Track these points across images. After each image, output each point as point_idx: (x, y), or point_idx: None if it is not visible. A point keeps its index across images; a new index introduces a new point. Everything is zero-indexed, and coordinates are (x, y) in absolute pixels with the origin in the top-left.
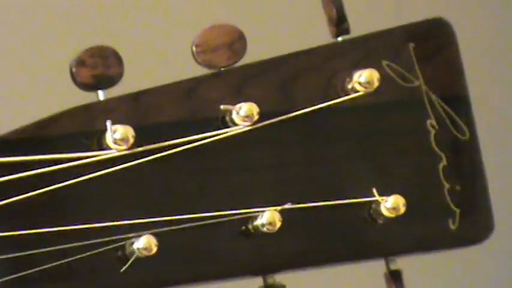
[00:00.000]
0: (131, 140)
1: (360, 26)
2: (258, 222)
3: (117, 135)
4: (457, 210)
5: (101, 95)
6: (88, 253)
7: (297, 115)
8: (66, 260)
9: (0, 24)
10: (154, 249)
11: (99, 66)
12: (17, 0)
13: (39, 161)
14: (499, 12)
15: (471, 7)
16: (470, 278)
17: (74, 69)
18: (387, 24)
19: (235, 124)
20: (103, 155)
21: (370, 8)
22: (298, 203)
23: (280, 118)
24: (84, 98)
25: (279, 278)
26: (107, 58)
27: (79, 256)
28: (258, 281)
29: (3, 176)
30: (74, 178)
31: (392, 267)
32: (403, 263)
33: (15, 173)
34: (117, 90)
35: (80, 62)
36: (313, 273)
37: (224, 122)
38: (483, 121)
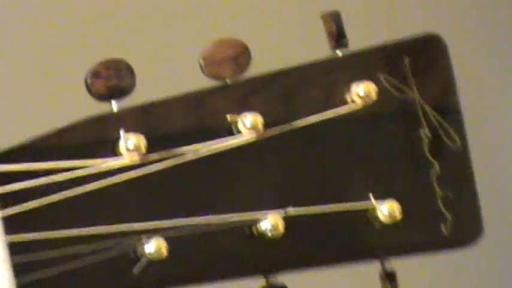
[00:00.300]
0: (143, 148)
1: (352, 39)
2: (262, 226)
3: (130, 144)
4: (449, 215)
5: (114, 105)
6: (102, 255)
7: (299, 125)
8: (82, 262)
9: (20, 40)
10: (165, 253)
11: (113, 77)
12: (36, 15)
13: (57, 167)
14: (490, 25)
15: (462, 21)
16: (460, 278)
17: (89, 81)
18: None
19: (241, 133)
20: (117, 162)
21: (362, 21)
22: (300, 206)
23: (283, 128)
24: (98, 107)
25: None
26: (120, 70)
27: (95, 257)
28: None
29: (23, 181)
30: (90, 184)
31: (388, 268)
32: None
33: (34, 179)
34: (129, 100)
35: (95, 74)
36: (312, 273)
37: (230, 131)
38: (473, 130)
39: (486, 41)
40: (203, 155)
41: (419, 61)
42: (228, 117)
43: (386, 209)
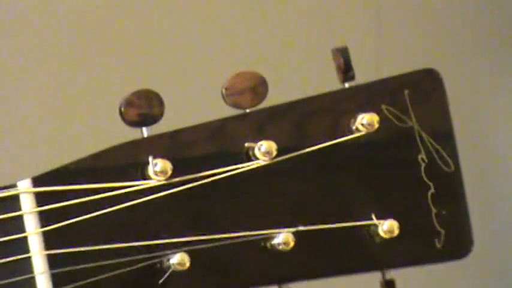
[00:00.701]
0: (169, 172)
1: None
2: (275, 241)
3: (158, 168)
4: (443, 231)
5: (145, 131)
6: (132, 267)
7: (309, 150)
8: (114, 273)
9: (59, 73)
10: (187, 265)
11: (144, 106)
12: (72, 43)
13: (93, 188)
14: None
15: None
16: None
17: (122, 109)
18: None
19: (257, 158)
20: (146, 184)
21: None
22: (309, 225)
23: (294, 153)
24: (130, 132)
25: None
26: (151, 99)
27: (126, 269)
28: None
29: (64, 201)
30: (122, 203)
31: (387, 277)
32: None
33: (74, 199)
34: (159, 127)
35: (128, 103)
36: (320, 282)
37: (248, 156)
38: (467, 153)
39: (473, 55)
40: (223, 177)
41: (417, 93)
42: (246, 144)
43: (386, 227)
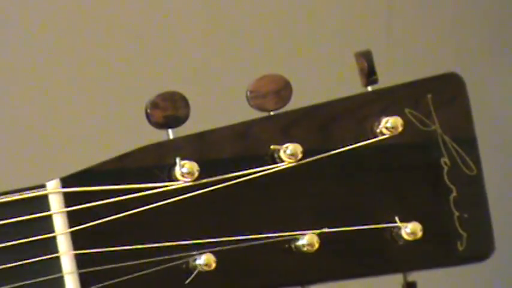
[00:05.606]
0: (196, 174)
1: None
2: (299, 242)
3: (185, 170)
4: (464, 234)
5: (171, 133)
6: (159, 267)
7: (333, 153)
8: (141, 273)
9: (87, 78)
10: (213, 265)
11: (169, 108)
12: (98, 50)
13: (121, 189)
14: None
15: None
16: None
17: (148, 111)
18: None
19: (282, 160)
20: (173, 185)
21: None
22: (334, 227)
23: (319, 156)
24: (156, 135)
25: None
26: (176, 101)
27: (152, 269)
28: None
29: (92, 202)
30: (149, 204)
31: (409, 279)
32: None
33: (101, 200)
34: (184, 129)
35: (154, 105)
36: (343, 284)
37: (273, 158)
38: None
39: (486, 44)
40: (249, 179)
41: (440, 97)
42: (272, 147)
43: (409, 229)
